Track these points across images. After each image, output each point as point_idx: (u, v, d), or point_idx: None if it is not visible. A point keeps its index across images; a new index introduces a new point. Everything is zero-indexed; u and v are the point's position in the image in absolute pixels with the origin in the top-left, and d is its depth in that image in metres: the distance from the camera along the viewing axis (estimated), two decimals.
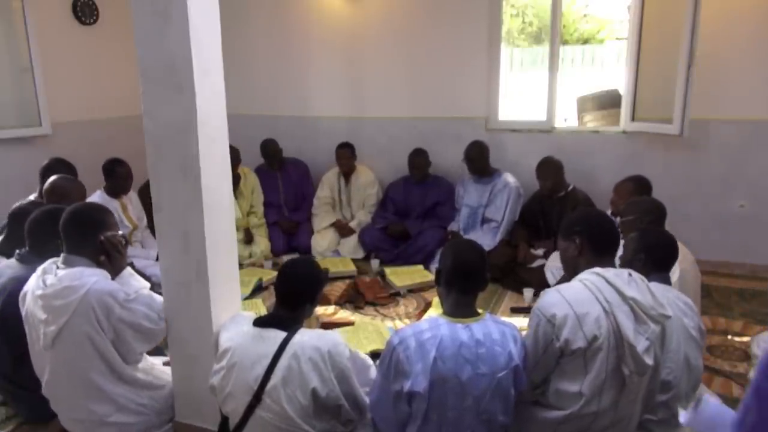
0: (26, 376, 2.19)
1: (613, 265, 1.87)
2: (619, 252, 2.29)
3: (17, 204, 2.82)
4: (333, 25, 4.85)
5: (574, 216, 2.03)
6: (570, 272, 1.95)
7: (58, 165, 3.48)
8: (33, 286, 2.03)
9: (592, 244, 1.89)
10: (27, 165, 3.79)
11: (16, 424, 2.43)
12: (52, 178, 3.07)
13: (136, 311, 2.05)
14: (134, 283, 2.16)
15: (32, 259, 2.24)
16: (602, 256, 1.88)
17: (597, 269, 1.82)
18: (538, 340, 1.80)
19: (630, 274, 1.81)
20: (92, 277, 1.98)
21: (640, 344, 1.71)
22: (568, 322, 1.73)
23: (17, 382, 2.31)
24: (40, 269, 2.07)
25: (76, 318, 1.93)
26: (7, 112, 4.33)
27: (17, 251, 2.35)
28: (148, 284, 2.22)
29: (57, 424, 2.21)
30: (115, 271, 2.11)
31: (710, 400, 1.25)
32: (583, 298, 1.76)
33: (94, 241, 2.06)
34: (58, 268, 2.04)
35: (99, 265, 2.07)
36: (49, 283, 1.98)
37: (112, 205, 3.82)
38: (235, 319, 2.09)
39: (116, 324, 2.00)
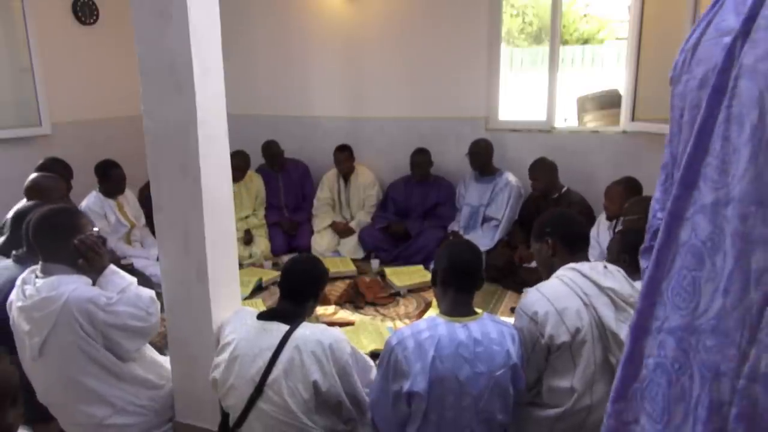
0: (25, 377, 2.18)
1: (587, 260, 1.93)
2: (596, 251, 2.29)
3: (19, 206, 2.81)
4: (333, 25, 4.85)
5: (542, 219, 2.11)
6: (547, 273, 2.02)
7: (53, 164, 3.48)
8: (14, 297, 1.99)
9: (564, 243, 1.97)
10: (27, 165, 3.78)
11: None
12: (33, 175, 3.06)
13: (120, 313, 1.99)
14: (118, 281, 2.09)
15: (28, 260, 2.21)
16: (575, 253, 1.95)
17: (572, 264, 1.89)
18: (525, 339, 1.84)
19: (605, 266, 1.87)
20: (70, 285, 1.93)
21: (623, 332, 1.75)
22: (550, 318, 1.78)
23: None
24: (19, 279, 2.02)
25: (59, 328, 1.90)
26: (7, 112, 4.33)
27: (14, 252, 2.32)
28: (134, 279, 2.15)
29: (57, 424, 2.21)
30: (96, 272, 2.06)
31: None
32: (561, 293, 1.81)
33: (68, 246, 1.99)
34: (36, 277, 1.99)
35: (78, 269, 2.02)
36: (28, 294, 1.93)
37: (108, 204, 3.82)
38: (238, 313, 2.09)
39: (103, 328, 1.96)
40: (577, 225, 2.05)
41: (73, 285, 1.94)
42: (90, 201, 3.79)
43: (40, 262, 2.03)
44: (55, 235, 2.00)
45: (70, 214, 2.10)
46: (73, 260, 2.01)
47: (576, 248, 1.97)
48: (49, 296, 1.90)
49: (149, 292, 2.14)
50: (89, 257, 2.02)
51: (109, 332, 1.99)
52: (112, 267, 2.13)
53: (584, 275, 1.82)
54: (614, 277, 1.83)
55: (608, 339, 1.76)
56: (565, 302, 1.78)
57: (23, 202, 3.20)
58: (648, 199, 2.78)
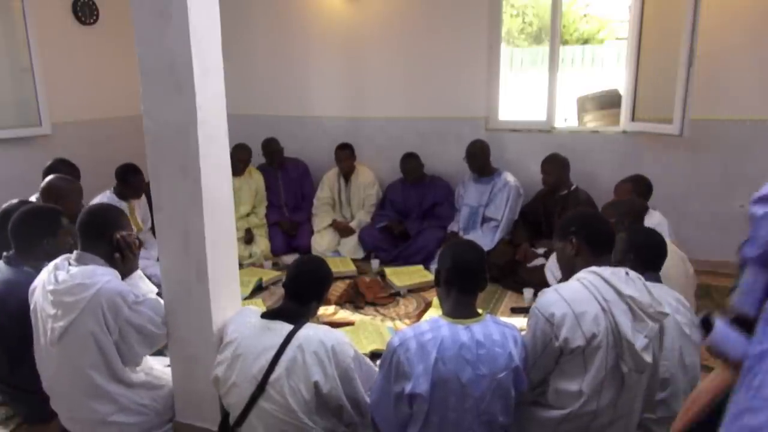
0: (24, 378, 2.19)
1: (609, 264, 1.88)
2: None
3: (5, 204, 2.77)
4: (333, 25, 4.85)
5: (569, 217, 2.06)
6: (567, 272, 1.97)
7: (61, 165, 3.47)
8: (44, 280, 2.04)
9: (589, 244, 1.91)
10: (27, 165, 3.79)
11: (16, 424, 2.42)
12: (49, 177, 3.05)
13: (142, 314, 2.07)
14: (143, 286, 2.18)
15: (19, 262, 2.23)
16: (599, 256, 1.90)
17: (594, 268, 1.83)
18: (537, 340, 1.81)
19: (627, 273, 1.82)
20: (105, 276, 2.00)
21: (639, 342, 1.72)
22: (567, 321, 1.74)
23: (14, 384, 2.30)
24: (51, 264, 2.08)
25: (85, 315, 1.95)
26: (7, 112, 4.33)
27: (4, 254, 2.32)
28: (155, 289, 2.23)
29: (57, 424, 2.21)
30: (126, 271, 2.14)
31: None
32: (581, 296, 1.77)
33: (110, 239, 2.10)
34: (70, 264, 2.06)
35: (112, 263, 2.09)
36: (61, 279, 1.99)
37: (121, 206, 3.81)
38: (242, 312, 2.11)
39: (122, 325, 2.02)
40: (604, 227, 1.97)
41: (108, 277, 2.01)
42: (103, 200, 3.76)
43: (76, 251, 2.09)
44: (102, 226, 2.10)
45: (119, 212, 2.23)
46: (110, 254, 2.10)
47: (600, 251, 1.91)
48: (84, 283, 1.96)
49: None
50: (125, 255, 2.12)
51: (126, 331, 2.03)
52: (140, 272, 2.22)
53: (606, 280, 1.78)
54: (635, 285, 1.79)
55: (622, 347, 1.72)
56: (583, 306, 1.75)
57: (11, 203, 3.14)
58: (623, 202, 2.78)
